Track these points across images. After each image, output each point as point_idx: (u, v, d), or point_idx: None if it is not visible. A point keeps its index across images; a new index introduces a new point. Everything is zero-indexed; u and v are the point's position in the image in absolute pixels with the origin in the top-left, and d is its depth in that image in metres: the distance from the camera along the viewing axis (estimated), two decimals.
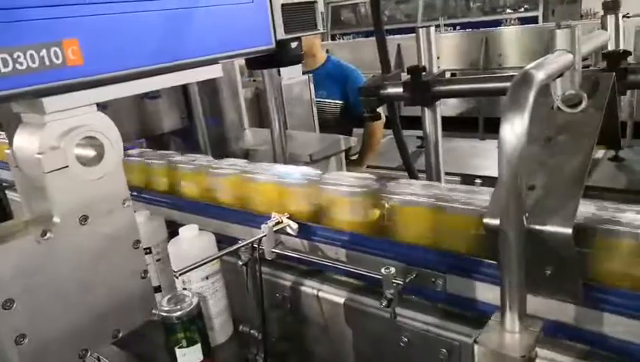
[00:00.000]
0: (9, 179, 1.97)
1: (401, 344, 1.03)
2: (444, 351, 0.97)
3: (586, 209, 0.83)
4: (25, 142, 0.70)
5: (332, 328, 1.18)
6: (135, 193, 1.60)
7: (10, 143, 0.73)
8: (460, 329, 0.97)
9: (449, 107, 5.47)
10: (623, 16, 1.67)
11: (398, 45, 5.69)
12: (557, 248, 0.75)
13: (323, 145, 2.03)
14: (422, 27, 1.69)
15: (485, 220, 0.81)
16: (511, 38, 5.61)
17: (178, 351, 1.08)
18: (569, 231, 0.73)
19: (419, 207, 1.02)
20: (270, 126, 1.76)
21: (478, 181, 2.14)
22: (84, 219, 0.73)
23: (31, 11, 0.63)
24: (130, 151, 1.73)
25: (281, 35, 0.95)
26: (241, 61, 1.14)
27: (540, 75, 0.72)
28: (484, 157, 3.09)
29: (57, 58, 0.66)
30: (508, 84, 0.71)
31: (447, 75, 2.27)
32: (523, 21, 6.76)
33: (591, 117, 0.89)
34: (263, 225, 1.19)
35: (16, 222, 0.72)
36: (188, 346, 1.08)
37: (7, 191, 2.10)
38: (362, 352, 1.14)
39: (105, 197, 0.75)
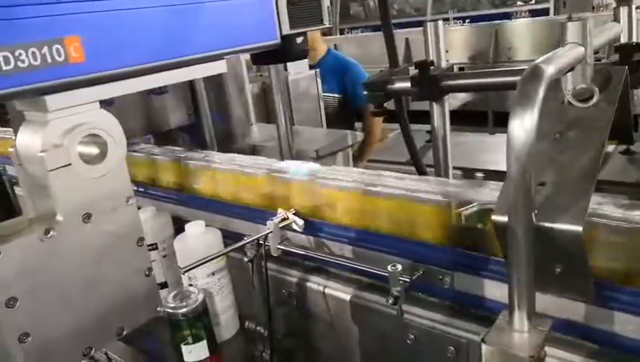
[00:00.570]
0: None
1: (408, 341, 1.03)
2: (452, 348, 0.97)
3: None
4: (28, 140, 0.69)
5: (338, 325, 1.17)
6: (142, 189, 1.60)
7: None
8: (468, 327, 0.96)
9: (457, 99, 5.40)
10: (637, 8, 1.63)
11: (407, 39, 5.63)
12: (567, 246, 0.74)
13: (329, 140, 2.01)
14: (430, 21, 1.66)
15: (494, 217, 0.80)
16: (521, 31, 5.51)
17: (184, 348, 1.09)
18: (579, 228, 0.72)
19: (423, 204, 1.01)
20: (276, 122, 1.74)
21: (479, 175, 2.11)
22: (87, 216, 0.72)
23: (32, 9, 0.63)
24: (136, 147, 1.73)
25: (287, 30, 0.94)
26: (248, 56, 1.12)
27: (550, 69, 0.70)
28: (495, 151, 3.05)
29: (59, 55, 0.65)
30: (517, 78, 0.70)
31: (456, 69, 2.23)
32: (534, 13, 6.66)
33: (603, 112, 0.87)
34: (268, 222, 1.18)
35: (20, 220, 0.72)
36: (194, 342, 1.08)
37: (15, 188, 2.12)
38: (368, 349, 1.14)
39: (108, 194, 0.75)
